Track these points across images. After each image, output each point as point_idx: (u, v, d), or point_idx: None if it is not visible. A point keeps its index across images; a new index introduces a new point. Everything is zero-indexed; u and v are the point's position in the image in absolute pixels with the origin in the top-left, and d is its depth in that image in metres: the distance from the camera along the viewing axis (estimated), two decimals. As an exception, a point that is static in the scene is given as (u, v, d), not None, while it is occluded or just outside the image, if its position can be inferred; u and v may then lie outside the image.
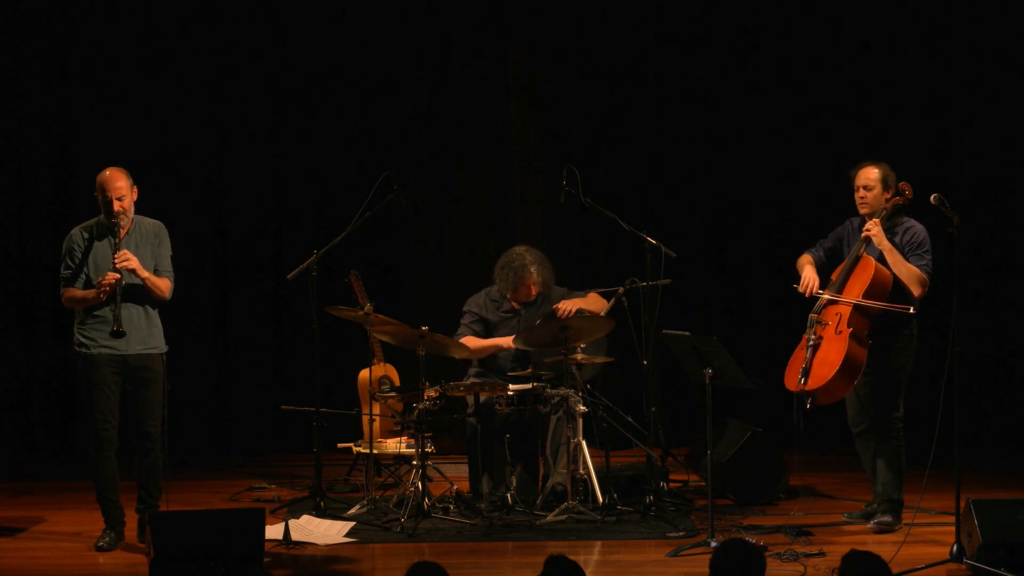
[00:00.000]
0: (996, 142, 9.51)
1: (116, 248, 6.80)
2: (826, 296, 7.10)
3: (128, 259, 6.80)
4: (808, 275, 7.22)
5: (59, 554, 6.92)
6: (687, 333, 7.05)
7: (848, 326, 6.96)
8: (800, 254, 7.42)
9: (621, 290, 7.90)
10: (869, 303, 6.96)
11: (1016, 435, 9.42)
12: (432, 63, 9.73)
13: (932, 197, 6.44)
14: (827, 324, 7.03)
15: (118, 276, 6.76)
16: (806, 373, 7.00)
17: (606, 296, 7.99)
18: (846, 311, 6.99)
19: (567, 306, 7.79)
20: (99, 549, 6.92)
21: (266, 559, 6.36)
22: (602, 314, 7.76)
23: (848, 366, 6.92)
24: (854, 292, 7.02)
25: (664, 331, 7.20)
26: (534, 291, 7.89)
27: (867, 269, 7.02)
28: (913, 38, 9.55)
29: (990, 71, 9.49)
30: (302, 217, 9.68)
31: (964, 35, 9.49)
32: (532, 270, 7.84)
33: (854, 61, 9.57)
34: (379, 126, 9.74)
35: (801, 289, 7.20)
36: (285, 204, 9.74)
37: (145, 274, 6.86)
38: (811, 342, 7.03)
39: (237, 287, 9.73)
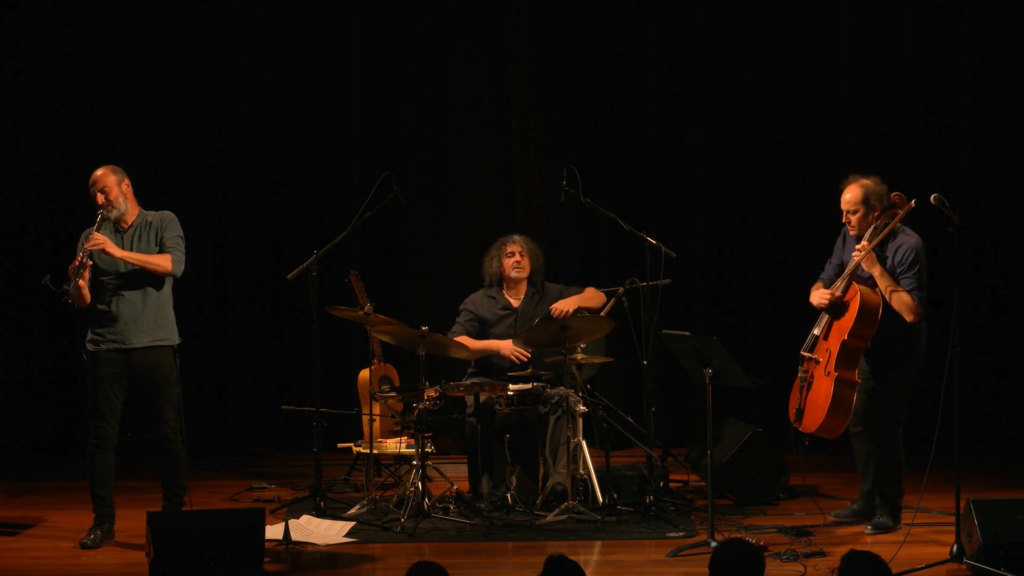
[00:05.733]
0: (997, 141, 9.52)
1: (89, 235, 6.86)
2: (816, 331, 7.04)
3: (97, 242, 6.81)
4: (817, 298, 7.14)
5: (59, 554, 6.92)
6: (687, 333, 7.05)
7: (836, 368, 6.88)
8: (801, 256, 7.39)
9: (621, 290, 7.90)
10: (855, 341, 6.87)
11: (1016, 435, 9.42)
12: (432, 63, 9.73)
13: (932, 197, 6.40)
14: (818, 362, 6.98)
15: (81, 256, 6.79)
16: (800, 415, 7.01)
17: (605, 296, 7.99)
18: (835, 348, 6.92)
19: (563, 306, 7.80)
20: (83, 547, 6.93)
21: (266, 559, 6.35)
22: (600, 309, 7.76)
23: (836, 409, 6.88)
24: (841, 329, 6.92)
25: (664, 331, 7.20)
26: (520, 260, 7.89)
27: (854, 301, 6.89)
28: (913, 36, 9.54)
29: (990, 70, 9.50)
30: (302, 217, 9.68)
31: (964, 33, 9.51)
32: (516, 238, 7.94)
33: (854, 60, 9.56)
34: (379, 126, 9.74)
35: (818, 305, 7.10)
36: (285, 204, 9.75)
37: (120, 253, 6.85)
38: (803, 382, 7.02)
39: (237, 287, 9.74)
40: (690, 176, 9.73)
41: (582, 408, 7.38)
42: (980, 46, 9.47)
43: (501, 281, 8.05)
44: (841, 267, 7.15)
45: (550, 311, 7.81)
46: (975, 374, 9.06)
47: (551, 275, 8.22)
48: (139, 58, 9.59)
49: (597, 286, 8.19)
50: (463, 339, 7.83)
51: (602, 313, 7.86)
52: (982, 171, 9.50)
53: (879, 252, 6.96)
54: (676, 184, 9.72)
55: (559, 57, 9.70)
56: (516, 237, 8.04)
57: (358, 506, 7.55)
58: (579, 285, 8.29)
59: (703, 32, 9.65)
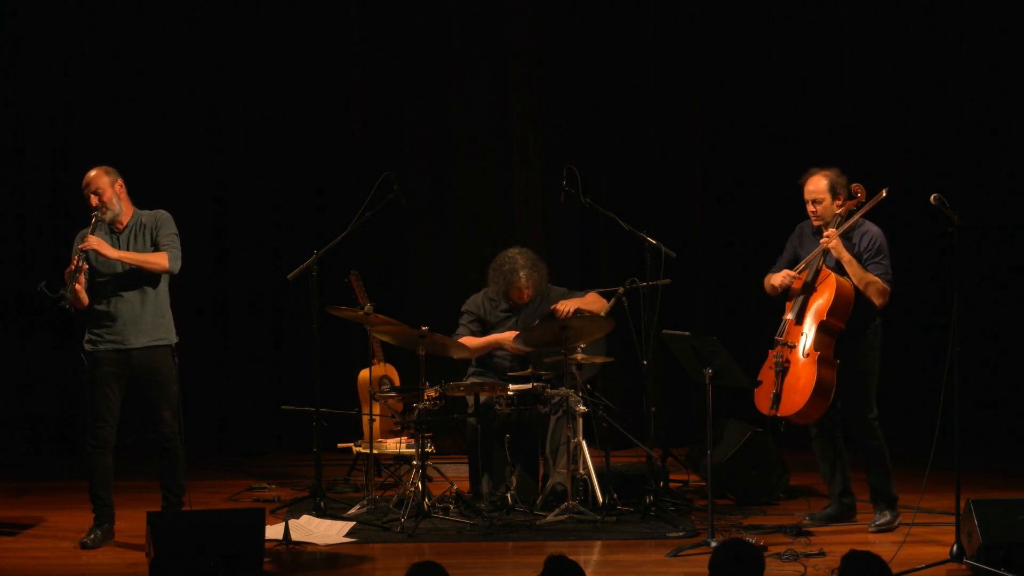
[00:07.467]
0: (996, 141, 9.52)
1: (83, 237, 6.86)
2: (789, 316, 7.06)
3: (90, 244, 6.81)
4: (781, 277, 7.14)
5: (59, 554, 6.92)
6: (687, 333, 7.05)
7: (815, 349, 6.90)
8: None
9: (621, 290, 7.89)
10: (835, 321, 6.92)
11: (1016, 435, 9.41)
12: (432, 63, 9.74)
13: (932, 197, 6.41)
14: (793, 347, 7.00)
15: (76, 259, 6.78)
16: (777, 400, 6.99)
17: (606, 296, 7.98)
18: (812, 331, 6.94)
19: (565, 306, 7.79)
20: (83, 546, 6.93)
21: (266, 559, 6.35)
22: (601, 314, 7.75)
23: (820, 390, 6.89)
24: (818, 311, 6.96)
25: (664, 331, 7.19)
26: (526, 295, 7.89)
27: (829, 285, 6.96)
28: (912, 36, 9.55)
29: (989, 70, 9.50)
30: (302, 217, 9.68)
31: (963, 35, 9.51)
32: (522, 275, 7.84)
33: (854, 61, 9.56)
34: (379, 126, 9.74)
35: (790, 281, 7.11)
36: (285, 204, 9.75)
37: (115, 254, 6.85)
38: (778, 367, 7.01)
39: (237, 287, 9.74)
40: (690, 176, 9.73)
41: (582, 408, 7.38)
42: (980, 45, 9.48)
43: None
44: (794, 262, 7.19)
45: (552, 310, 7.81)
46: (975, 373, 9.04)
47: (552, 277, 8.19)
48: (138, 58, 9.59)
49: (597, 286, 8.18)
50: (466, 339, 7.82)
51: (602, 313, 7.85)
52: (983, 170, 9.49)
53: (845, 241, 7.02)
54: (676, 184, 9.72)
55: (560, 56, 9.70)
56: (522, 274, 7.82)
57: (358, 506, 7.55)
58: (579, 285, 8.28)
59: (703, 32, 9.65)
